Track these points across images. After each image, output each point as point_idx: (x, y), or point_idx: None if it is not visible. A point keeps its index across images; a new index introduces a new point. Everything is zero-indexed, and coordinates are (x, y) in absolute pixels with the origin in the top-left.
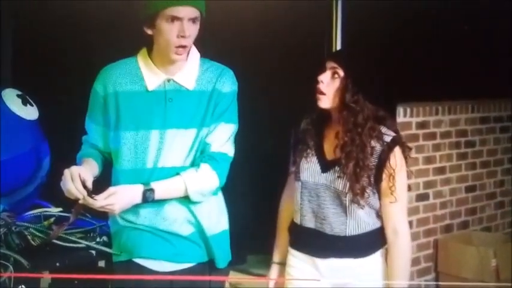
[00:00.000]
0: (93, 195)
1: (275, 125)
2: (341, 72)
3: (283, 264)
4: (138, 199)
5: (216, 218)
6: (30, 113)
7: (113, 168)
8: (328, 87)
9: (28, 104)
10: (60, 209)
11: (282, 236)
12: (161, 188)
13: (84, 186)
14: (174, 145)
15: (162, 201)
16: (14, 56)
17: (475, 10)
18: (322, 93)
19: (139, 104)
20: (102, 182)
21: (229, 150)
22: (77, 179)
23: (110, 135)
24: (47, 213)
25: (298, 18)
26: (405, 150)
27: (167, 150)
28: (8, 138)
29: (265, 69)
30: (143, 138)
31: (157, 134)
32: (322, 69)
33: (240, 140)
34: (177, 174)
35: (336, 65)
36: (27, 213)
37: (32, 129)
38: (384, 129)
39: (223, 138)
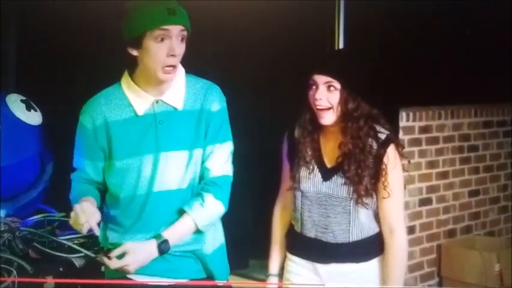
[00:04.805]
0: (108, 254)
1: (275, 125)
2: (337, 85)
3: (281, 275)
4: (154, 254)
5: (212, 236)
6: (34, 118)
7: (107, 196)
8: (329, 102)
9: (32, 109)
10: (64, 214)
11: (278, 248)
12: (173, 235)
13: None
14: (168, 168)
15: (157, 227)
16: (18, 61)
17: (478, 14)
18: (325, 110)
19: (130, 131)
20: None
21: (229, 170)
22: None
23: (104, 166)
24: (51, 218)
25: (297, 21)
26: (398, 147)
27: (162, 174)
28: (12, 143)
29: (261, 73)
30: (137, 164)
31: (151, 158)
32: (308, 82)
33: (239, 143)
34: (184, 212)
35: (330, 79)
36: (31, 218)
37: (35, 134)
38: (377, 127)
39: (222, 159)
